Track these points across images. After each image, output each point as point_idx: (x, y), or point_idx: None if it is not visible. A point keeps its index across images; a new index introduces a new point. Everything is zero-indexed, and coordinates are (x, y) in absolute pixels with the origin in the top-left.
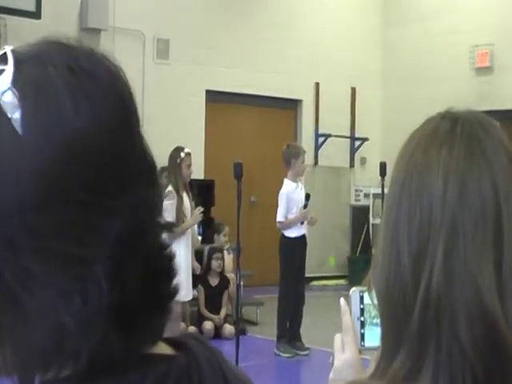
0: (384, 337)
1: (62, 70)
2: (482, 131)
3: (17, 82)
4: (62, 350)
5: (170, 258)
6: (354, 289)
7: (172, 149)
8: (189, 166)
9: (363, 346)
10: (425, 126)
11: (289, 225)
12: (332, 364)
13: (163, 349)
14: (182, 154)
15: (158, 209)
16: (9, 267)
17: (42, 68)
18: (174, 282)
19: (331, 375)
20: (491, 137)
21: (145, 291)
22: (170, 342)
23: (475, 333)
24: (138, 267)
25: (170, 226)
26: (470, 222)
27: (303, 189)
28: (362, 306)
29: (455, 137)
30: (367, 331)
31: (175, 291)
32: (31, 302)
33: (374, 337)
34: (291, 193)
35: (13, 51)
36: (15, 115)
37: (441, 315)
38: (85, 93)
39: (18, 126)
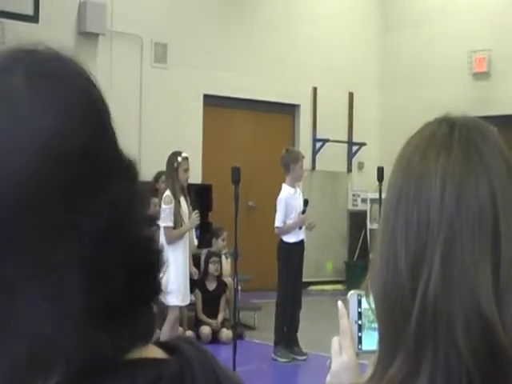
0: (381, 341)
1: (23, 77)
2: (480, 136)
3: None
4: (42, 358)
5: (155, 251)
6: (351, 292)
7: (170, 153)
8: (186, 170)
9: (361, 349)
10: (422, 131)
11: (287, 230)
12: (329, 367)
13: (156, 352)
14: (179, 159)
15: (138, 204)
16: None
17: (5, 77)
18: (160, 276)
19: (328, 378)
20: (488, 142)
21: (128, 287)
22: (163, 345)
23: (472, 338)
24: (118, 265)
25: (152, 220)
26: (468, 226)
27: (301, 194)
28: (359, 310)
29: (453, 142)
30: (365, 335)
31: (161, 286)
32: (5, 314)
33: (371, 340)
34: (289, 198)
35: None
36: None
37: (438, 320)
38: (48, 97)
39: None
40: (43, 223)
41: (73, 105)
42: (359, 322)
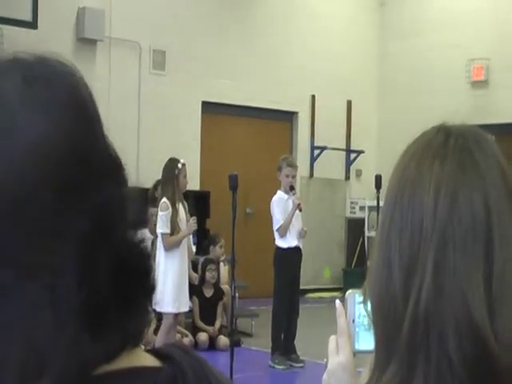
0: (377, 347)
1: (15, 81)
2: (476, 145)
3: None
4: (33, 362)
5: (145, 255)
6: (350, 291)
7: (166, 159)
8: (185, 176)
9: (358, 349)
10: (419, 140)
11: (286, 226)
12: (326, 366)
13: (149, 360)
14: (180, 165)
15: (128, 207)
16: None
17: None
18: (150, 279)
19: (325, 377)
20: (484, 151)
21: (117, 290)
22: (156, 353)
23: (464, 349)
24: (107, 267)
25: (141, 223)
26: (460, 235)
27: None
28: (357, 309)
29: (448, 150)
30: (362, 334)
31: (152, 289)
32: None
33: (368, 340)
34: (281, 202)
35: None
36: None
37: (430, 330)
38: (39, 100)
39: None
40: (31, 226)
41: (62, 108)
42: (357, 322)
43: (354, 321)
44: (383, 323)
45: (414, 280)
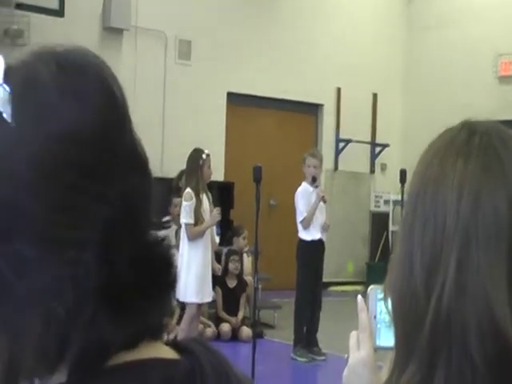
0: (397, 345)
1: (50, 67)
2: (500, 143)
3: (7, 79)
4: (52, 337)
5: (167, 246)
6: (371, 287)
7: (191, 150)
8: (209, 167)
9: (379, 345)
10: (442, 136)
11: (310, 218)
12: (347, 362)
13: (167, 353)
14: (204, 156)
15: (150, 198)
16: (2, 253)
17: (31, 66)
18: (172, 271)
19: (345, 373)
20: (509, 149)
21: (139, 278)
22: (174, 345)
23: (486, 347)
24: (129, 253)
25: (165, 222)
26: (484, 234)
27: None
28: (379, 305)
29: (472, 148)
30: (383, 331)
31: (173, 281)
32: (22, 289)
33: (390, 337)
34: (306, 193)
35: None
36: (7, 109)
37: (452, 329)
38: (72, 87)
39: (9, 118)
40: (55, 201)
41: (92, 95)
42: (378, 318)
43: (375, 317)
44: (403, 321)
45: (436, 278)
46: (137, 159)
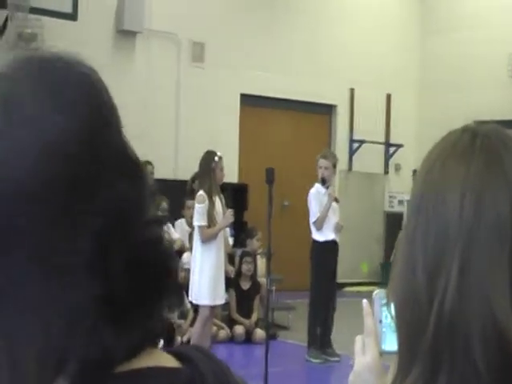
0: (400, 350)
1: (30, 79)
2: (502, 147)
3: None
4: (52, 350)
5: (163, 251)
6: (377, 291)
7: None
8: (222, 169)
9: (384, 349)
10: (445, 140)
11: (322, 219)
12: (352, 367)
13: (167, 361)
14: (216, 158)
15: (143, 204)
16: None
17: (11, 82)
18: (171, 279)
19: (351, 378)
20: (510, 150)
21: (135, 284)
22: (176, 354)
23: (489, 352)
24: (123, 259)
25: (159, 221)
26: (486, 238)
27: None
28: (384, 310)
29: (474, 151)
30: (389, 335)
31: (174, 289)
32: (20, 302)
33: (395, 341)
34: (319, 195)
35: None
36: None
37: (454, 333)
38: (56, 99)
39: None
40: (46, 220)
41: (77, 107)
42: (384, 322)
43: (381, 321)
44: (406, 325)
45: (438, 282)
46: (126, 163)
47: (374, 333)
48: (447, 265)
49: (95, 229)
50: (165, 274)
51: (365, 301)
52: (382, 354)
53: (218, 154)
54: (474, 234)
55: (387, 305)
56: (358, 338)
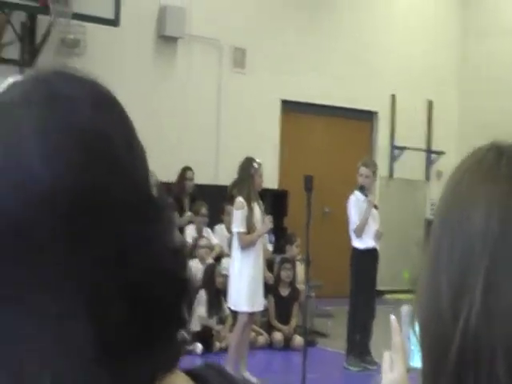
0: (424, 368)
1: (28, 124)
2: None
3: None
4: None
5: (179, 287)
6: (405, 306)
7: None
8: (261, 176)
9: (412, 365)
10: (471, 157)
11: (362, 226)
12: (380, 382)
13: (182, 381)
14: (255, 165)
15: (152, 247)
16: None
17: (8, 120)
18: (181, 311)
19: None
20: None
21: (139, 327)
22: (191, 374)
23: None
24: (125, 307)
25: (178, 255)
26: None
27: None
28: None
29: (499, 170)
30: (417, 351)
31: (185, 321)
32: (8, 356)
33: None
34: (358, 202)
35: None
36: None
37: (479, 354)
38: (52, 144)
39: None
40: (45, 271)
41: (74, 151)
42: (412, 338)
43: (409, 338)
44: (430, 344)
45: (463, 300)
46: (136, 202)
47: (401, 349)
48: (472, 282)
49: (94, 276)
50: (174, 310)
51: (393, 317)
52: (410, 370)
53: (257, 160)
54: (499, 250)
55: (411, 322)
56: (386, 355)
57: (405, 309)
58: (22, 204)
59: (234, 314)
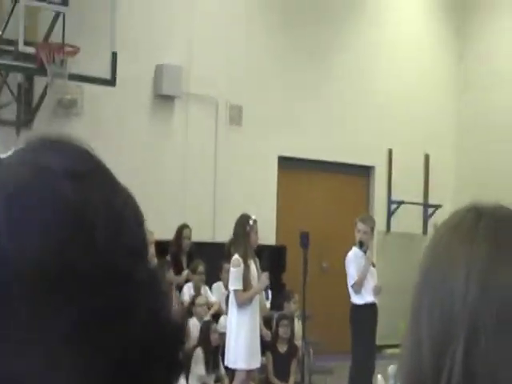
0: None
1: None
2: (506, 227)
3: None
4: None
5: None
6: (392, 366)
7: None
8: (256, 233)
9: None
10: (450, 220)
11: (360, 282)
12: None
13: None
14: (251, 222)
15: (129, 310)
16: None
17: None
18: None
19: None
20: None
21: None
22: None
23: None
24: (100, 371)
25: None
26: (492, 319)
27: (369, 258)
28: None
29: (478, 232)
30: None
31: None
32: None
33: None
34: (357, 258)
35: None
36: None
37: None
38: (21, 225)
39: None
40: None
41: (53, 227)
42: None
43: None
44: None
45: (444, 364)
46: (113, 279)
47: None
48: (452, 346)
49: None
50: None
51: (379, 376)
52: None
53: (253, 217)
54: (479, 314)
55: (396, 382)
56: None
57: (392, 368)
58: None
59: (232, 372)
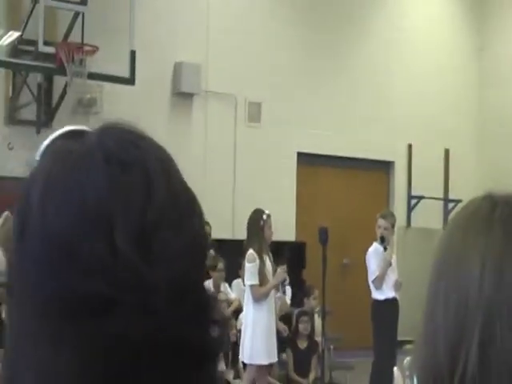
0: None
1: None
2: None
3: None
4: None
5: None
6: (408, 358)
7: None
8: (270, 227)
9: None
10: (465, 208)
11: (381, 277)
12: None
13: None
14: (264, 217)
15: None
16: None
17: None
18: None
19: None
20: None
21: None
22: None
23: None
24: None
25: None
26: (508, 310)
27: (391, 252)
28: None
29: (493, 220)
30: None
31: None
32: None
33: None
34: (377, 253)
35: None
36: None
37: None
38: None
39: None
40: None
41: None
42: None
43: None
44: None
45: (460, 353)
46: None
47: None
48: (468, 335)
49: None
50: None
51: (395, 369)
52: None
53: (266, 212)
54: (494, 303)
55: (410, 377)
56: None
57: (408, 361)
58: None
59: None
